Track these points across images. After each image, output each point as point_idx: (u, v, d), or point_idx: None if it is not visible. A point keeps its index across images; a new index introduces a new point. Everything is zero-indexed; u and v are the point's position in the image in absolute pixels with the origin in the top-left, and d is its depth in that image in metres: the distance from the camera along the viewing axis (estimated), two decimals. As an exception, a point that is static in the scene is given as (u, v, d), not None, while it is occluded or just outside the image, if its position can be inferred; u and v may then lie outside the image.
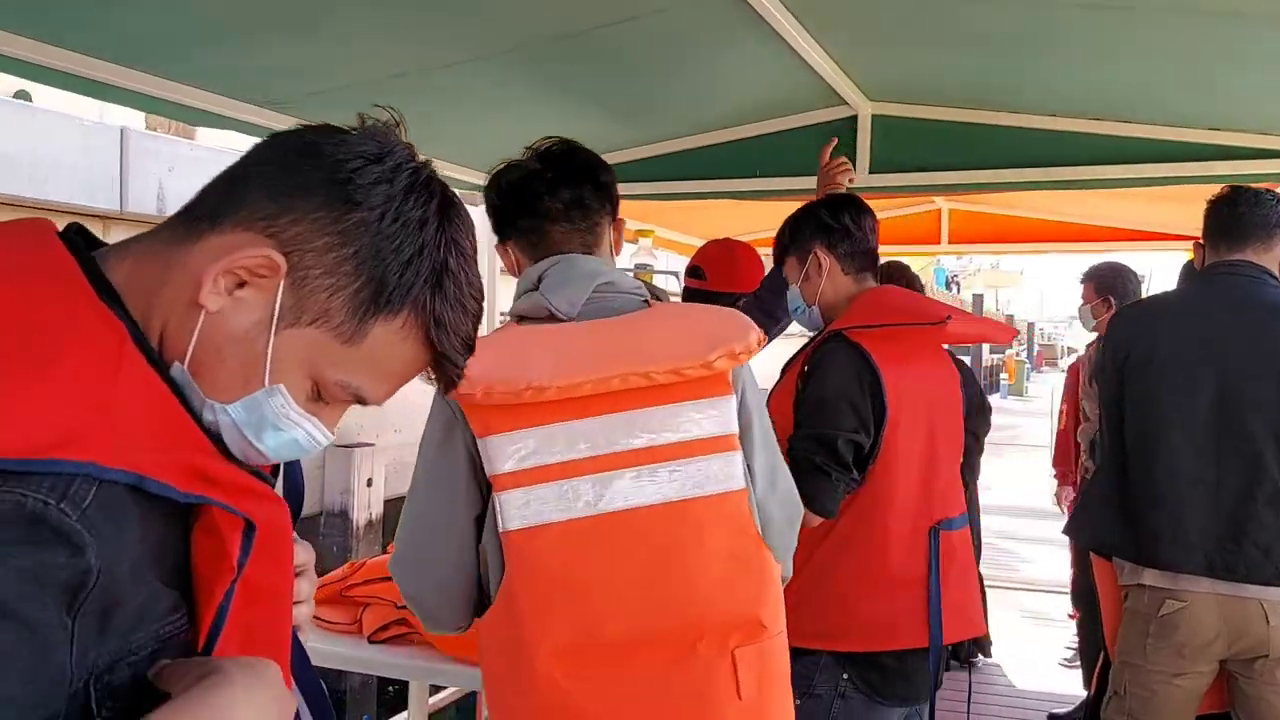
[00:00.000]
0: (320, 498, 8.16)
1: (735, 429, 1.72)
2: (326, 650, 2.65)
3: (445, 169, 3.92)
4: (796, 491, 1.88)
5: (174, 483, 0.79)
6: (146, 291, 0.87)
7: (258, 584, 0.86)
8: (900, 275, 4.20)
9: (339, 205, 0.88)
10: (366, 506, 8.35)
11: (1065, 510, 5.48)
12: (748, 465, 1.74)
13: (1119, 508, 2.63)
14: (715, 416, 1.70)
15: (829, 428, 2.32)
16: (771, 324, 2.83)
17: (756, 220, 4.75)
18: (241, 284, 0.87)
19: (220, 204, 0.89)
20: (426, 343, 0.93)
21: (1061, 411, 5.45)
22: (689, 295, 3.29)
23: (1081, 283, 4.66)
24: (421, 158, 0.94)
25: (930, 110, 3.37)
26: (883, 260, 3.07)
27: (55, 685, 0.74)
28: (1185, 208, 4.29)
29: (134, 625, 0.80)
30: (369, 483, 8.30)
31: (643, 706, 1.69)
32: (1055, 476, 5.46)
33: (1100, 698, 2.78)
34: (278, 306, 0.87)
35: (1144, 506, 2.57)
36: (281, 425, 0.90)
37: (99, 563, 0.74)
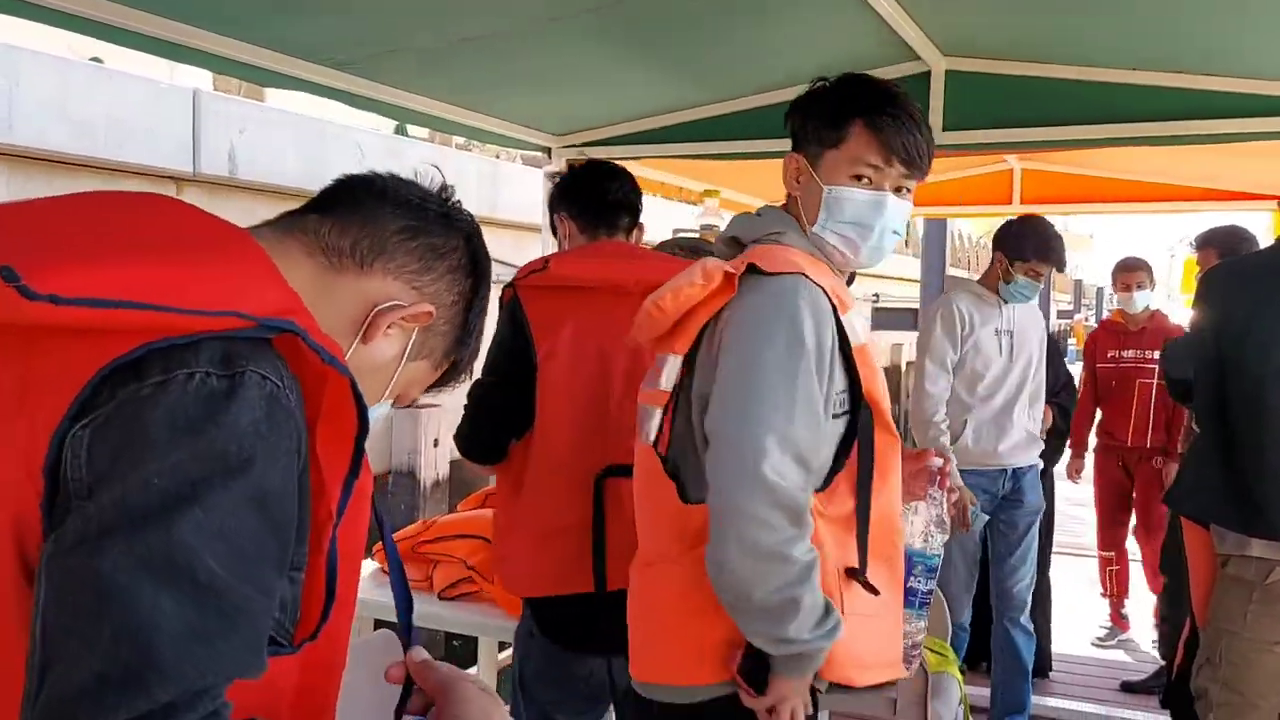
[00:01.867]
0: (389, 457, 8.27)
1: (665, 387, 1.80)
2: (398, 606, 2.69)
3: (513, 131, 3.92)
4: (731, 457, 1.67)
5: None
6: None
7: (343, 538, 0.94)
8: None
9: (463, 272, 1.13)
10: (433, 466, 8.45)
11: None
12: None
13: (1222, 476, 2.54)
14: (661, 372, 1.83)
15: (483, 374, 2.47)
16: None
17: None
18: (390, 324, 1.07)
19: (368, 251, 1.07)
20: (457, 369, 1.20)
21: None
22: None
23: (1198, 248, 4.53)
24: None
25: (1007, 65, 3.28)
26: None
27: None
28: (1273, 164, 4.15)
29: (299, 536, 0.90)
30: (435, 443, 8.40)
31: None
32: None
33: (1186, 666, 2.72)
34: (410, 346, 1.10)
35: (1251, 476, 2.48)
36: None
37: (304, 445, 0.89)
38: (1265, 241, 4.08)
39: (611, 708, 2.50)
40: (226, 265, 0.90)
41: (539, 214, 4.42)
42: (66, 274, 0.80)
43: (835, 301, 1.74)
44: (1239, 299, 2.58)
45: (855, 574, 1.74)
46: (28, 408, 0.80)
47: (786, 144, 3.58)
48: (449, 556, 2.75)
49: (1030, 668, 4.04)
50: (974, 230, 28.06)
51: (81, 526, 0.75)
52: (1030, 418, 3.99)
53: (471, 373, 1.24)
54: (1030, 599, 4.05)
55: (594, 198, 2.56)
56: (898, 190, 1.78)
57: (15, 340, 0.82)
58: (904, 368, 21.05)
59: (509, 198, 8.84)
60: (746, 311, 1.71)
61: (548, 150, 4.18)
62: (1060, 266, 3.85)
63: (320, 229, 1.06)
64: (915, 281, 16.99)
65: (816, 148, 1.83)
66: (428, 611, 2.68)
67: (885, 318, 17.94)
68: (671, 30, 2.97)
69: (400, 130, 7.81)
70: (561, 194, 2.63)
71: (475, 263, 1.14)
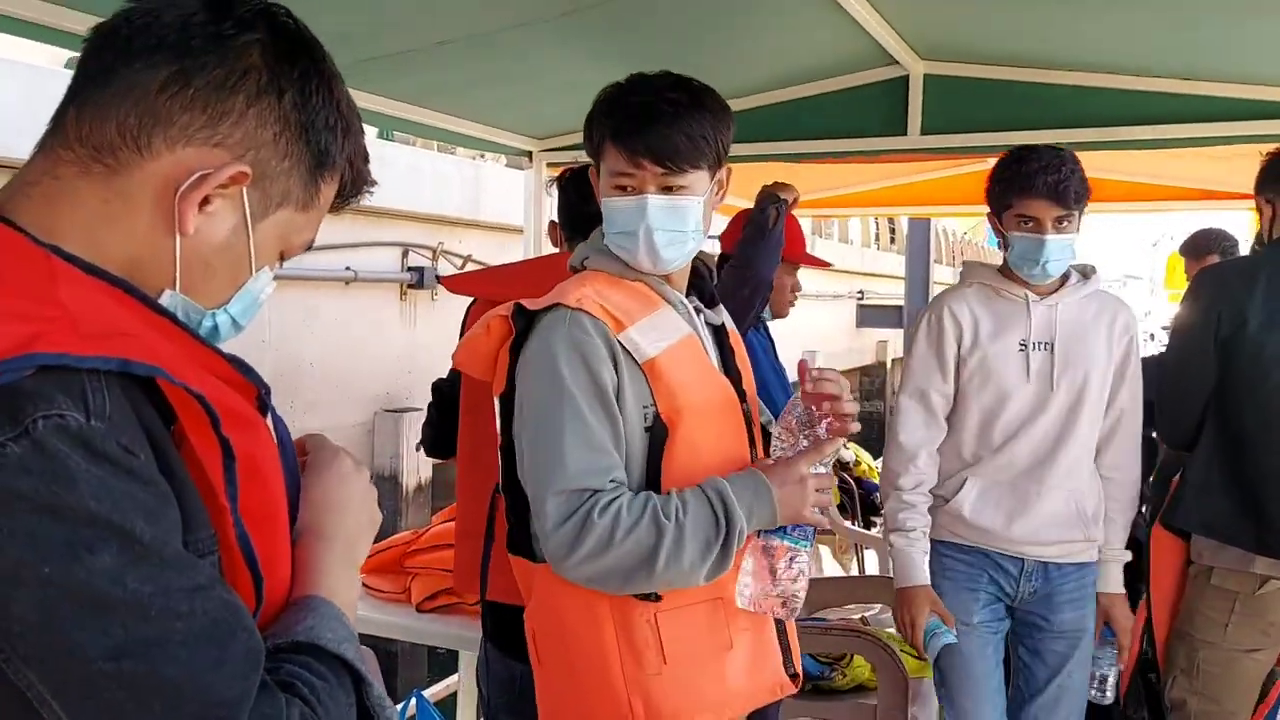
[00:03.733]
0: (370, 461, 8.25)
1: (498, 429, 1.83)
2: (379, 619, 2.67)
3: (495, 136, 3.91)
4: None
5: (164, 365, 0.80)
6: (83, 231, 0.87)
7: (250, 512, 0.87)
8: None
9: (271, 93, 0.90)
10: (415, 470, 8.42)
11: None
12: None
13: (1230, 494, 2.45)
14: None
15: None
16: (741, 272, 2.82)
17: (805, 183, 4.67)
18: (207, 199, 0.89)
19: (139, 129, 0.87)
20: (347, 179, 1.00)
21: None
22: (721, 256, 3.26)
23: (1197, 254, 4.45)
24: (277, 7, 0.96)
25: (984, 69, 3.28)
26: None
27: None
28: (1250, 164, 4.15)
29: (192, 524, 0.82)
30: (418, 447, 8.38)
31: None
32: None
33: (1147, 661, 2.71)
34: (248, 207, 0.91)
35: (1265, 497, 2.41)
36: (260, 299, 0.98)
37: (143, 459, 0.78)
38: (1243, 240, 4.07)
39: None
40: None
41: (520, 216, 4.42)
42: None
43: (608, 322, 1.70)
44: (1244, 306, 2.45)
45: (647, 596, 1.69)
46: None
47: (763, 147, 3.60)
48: (430, 569, 2.74)
49: None
50: (959, 226, 28.13)
51: (41, 649, 0.72)
52: (1083, 483, 2.51)
53: (369, 179, 1.03)
54: None
55: (571, 207, 2.56)
56: (668, 189, 1.72)
57: None
58: (889, 364, 21.11)
59: (491, 200, 8.82)
60: (522, 362, 1.74)
61: (529, 154, 4.16)
62: (1062, 200, 2.40)
63: (80, 130, 0.87)
64: (901, 279, 17.02)
65: (598, 166, 1.82)
66: (407, 625, 2.67)
67: (870, 314, 17.97)
68: (649, 34, 2.96)
69: (385, 135, 7.79)
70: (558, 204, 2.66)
71: (279, 71, 0.91)
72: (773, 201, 2.86)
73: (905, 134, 3.33)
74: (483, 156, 9.12)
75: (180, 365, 0.82)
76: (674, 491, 1.65)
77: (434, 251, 8.31)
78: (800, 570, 1.72)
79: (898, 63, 3.25)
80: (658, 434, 1.70)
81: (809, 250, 3.53)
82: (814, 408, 1.72)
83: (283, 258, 1.00)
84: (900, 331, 16.57)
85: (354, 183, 1.01)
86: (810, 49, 3.16)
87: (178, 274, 0.90)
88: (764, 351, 3.15)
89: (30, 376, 0.73)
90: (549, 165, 4.33)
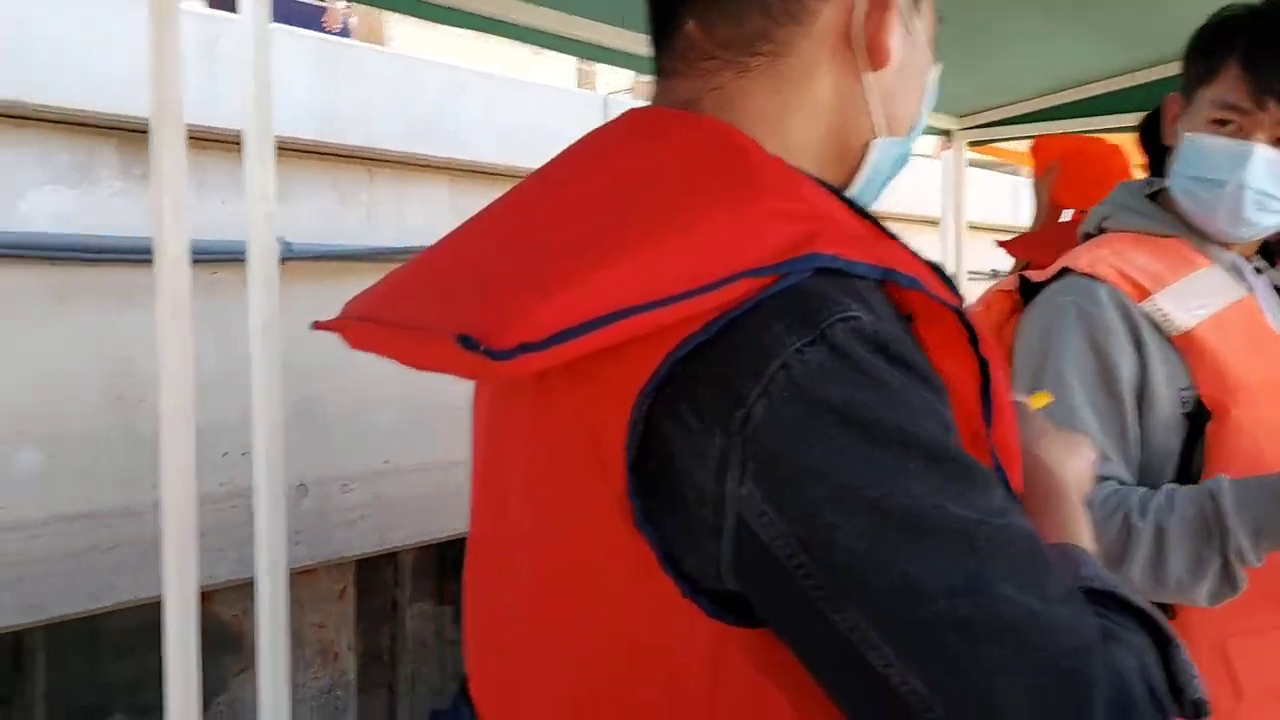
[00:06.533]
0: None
1: None
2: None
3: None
4: None
5: (919, 277, 0.72)
6: (769, 128, 0.82)
7: (1001, 448, 0.78)
8: None
9: None
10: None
11: None
12: None
13: None
14: None
15: None
16: None
17: None
18: (883, 24, 0.84)
19: (780, 9, 0.81)
20: None
21: None
22: None
23: None
24: None
25: None
26: None
27: None
28: None
29: None
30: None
31: None
32: None
33: None
34: (901, 11, 0.85)
35: None
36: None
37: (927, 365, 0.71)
38: None
39: None
40: (731, 206, 0.70)
41: (934, 206, 4.18)
42: (533, 308, 0.65)
43: (1128, 289, 1.42)
44: None
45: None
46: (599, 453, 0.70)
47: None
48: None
49: None
50: None
51: (843, 585, 0.62)
52: None
53: None
54: None
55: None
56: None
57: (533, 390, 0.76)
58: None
59: (899, 189, 8.57)
60: (1016, 337, 1.50)
61: (947, 133, 3.97)
62: None
63: (716, 37, 0.83)
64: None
65: (1191, 88, 1.51)
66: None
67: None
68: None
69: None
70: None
71: None
72: None
73: None
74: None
75: (920, 274, 0.73)
76: (1168, 486, 1.35)
77: (841, 244, 8.28)
78: None
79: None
80: (1199, 422, 1.41)
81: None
82: None
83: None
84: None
85: None
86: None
87: (879, 119, 0.86)
88: None
89: (810, 278, 0.67)
90: (970, 145, 4.10)
